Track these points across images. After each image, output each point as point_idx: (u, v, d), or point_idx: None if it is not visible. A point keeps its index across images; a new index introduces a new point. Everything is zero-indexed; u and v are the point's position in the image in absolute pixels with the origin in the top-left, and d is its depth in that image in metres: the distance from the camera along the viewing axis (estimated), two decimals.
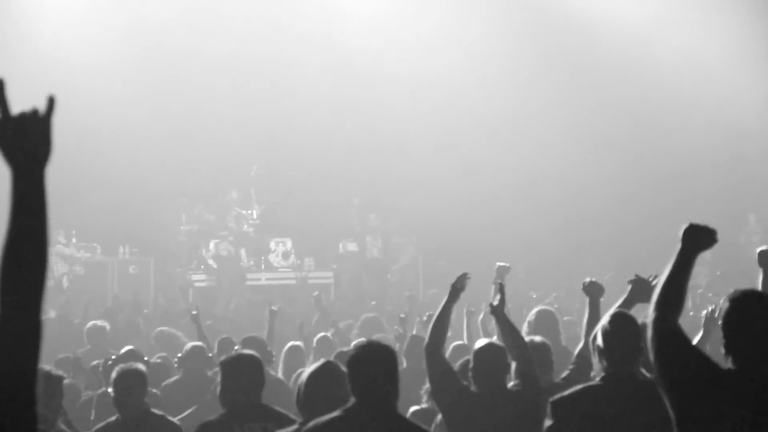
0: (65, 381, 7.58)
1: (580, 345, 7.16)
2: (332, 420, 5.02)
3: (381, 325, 12.65)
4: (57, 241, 19.19)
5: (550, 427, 5.49)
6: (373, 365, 5.02)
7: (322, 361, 5.93)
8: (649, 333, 4.15)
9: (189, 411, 8.34)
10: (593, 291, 7.29)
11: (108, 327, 12.45)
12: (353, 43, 21.54)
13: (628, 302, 6.65)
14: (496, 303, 6.70)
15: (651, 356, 4.17)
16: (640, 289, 6.73)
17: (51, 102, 2.64)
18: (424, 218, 21.68)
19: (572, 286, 17.92)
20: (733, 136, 22.44)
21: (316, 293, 15.09)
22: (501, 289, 6.79)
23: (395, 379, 5.06)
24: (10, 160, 2.56)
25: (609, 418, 5.37)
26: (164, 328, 12.49)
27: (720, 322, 4.22)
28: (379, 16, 21.93)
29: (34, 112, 2.60)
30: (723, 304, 4.27)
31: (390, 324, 13.49)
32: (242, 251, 20.65)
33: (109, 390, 7.08)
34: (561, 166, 22.15)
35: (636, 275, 6.97)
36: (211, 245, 20.63)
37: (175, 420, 7.10)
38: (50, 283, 18.15)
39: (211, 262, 20.52)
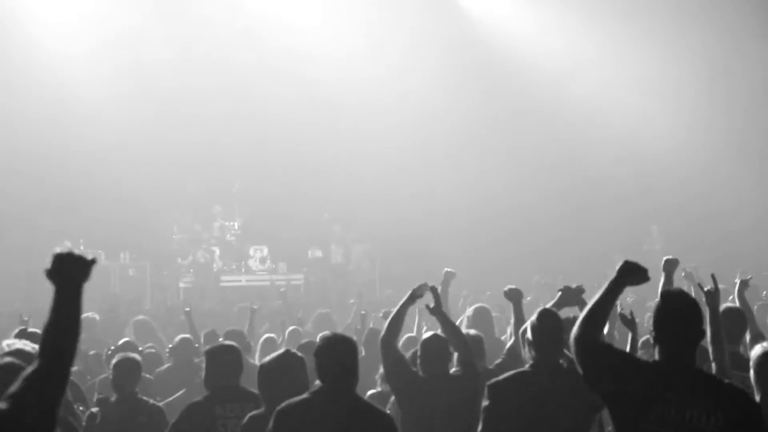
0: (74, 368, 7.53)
1: (512, 340, 7.23)
2: (302, 401, 5.02)
3: (331, 320, 12.68)
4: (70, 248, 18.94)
5: (486, 407, 5.50)
6: (338, 355, 5.04)
7: (280, 351, 5.91)
8: (574, 347, 4.21)
9: (178, 393, 8.30)
10: (514, 295, 7.45)
11: (98, 318, 12.37)
12: (320, 74, 21.51)
13: (557, 305, 6.73)
14: (432, 305, 6.72)
15: (578, 364, 4.23)
16: (567, 295, 6.85)
17: (94, 260, 3.42)
18: (382, 229, 21.71)
19: (501, 286, 18.07)
20: (639, 161, 22.66)
21: (282, 289, 15.10)
22: (435, 291, 6.79)
23: (356, 366, 5.09)
24: (58, 283, 3.34)
25: (537, 399, 5.41)
26: (140, 317, 12.48)
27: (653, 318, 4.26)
28: (346, 45, 21.84)
29: (81, 257, 3.38)
30: (655, 302, 4.32)
31: (346, 317, 13.55)
32: (216, 257, 20.52)
33: (109, 375, 7.04)
34: (497, 184, 22.24)
35: (565, 285, 7.07)
36: (199, 252, 20.52)
37: (159, 404, 7.06)
38: None
39: (197, 266, 20.42)
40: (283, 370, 5.61)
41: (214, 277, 20.06)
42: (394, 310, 6.82)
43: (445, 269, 10.17)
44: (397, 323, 6.69)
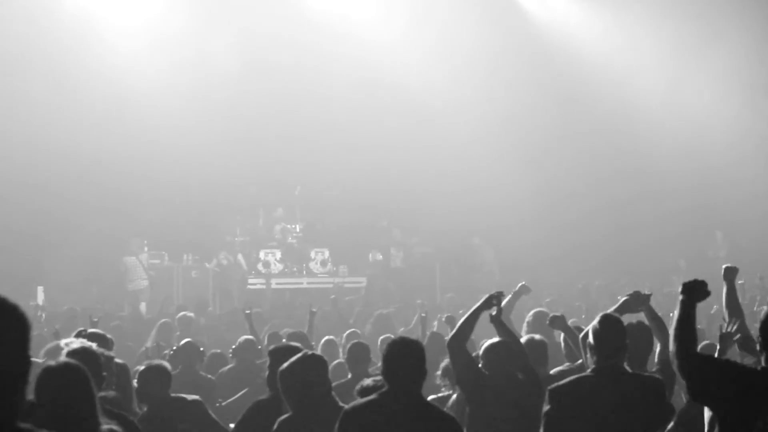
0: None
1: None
2: (369, 402, 5.06)
3: (390, 322, 12.71)
4: (135, 251, 19.26)
5: (547, 411, 5.47)
6: (406, 358, 5.10)
7: (302, 353, 5.89)
8: (681, 363, 4.25)
9: (240, 393, 8.36)
10: (559, 323, 7.53)
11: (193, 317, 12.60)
12: (383, 78, 21.55)
13: (621, 310, 6.67)
14: (494, 313, 6.73)
15: (685, 379, 4.28)
16: (634, 300, 6.76)
17: None
18: (441, 234, 21.69)
19: (563, 291, 17.96)
20: (704, 165, 22.34)
21: (333, 296, 15.16)
22: (498, 302, 6.78)
23: (423, 368, 5.12)
24: None
25: (598, 403, 5.36)
26: (187, 313, 12.75)
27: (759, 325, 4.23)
28: (410, 47, 21.83)
29: None
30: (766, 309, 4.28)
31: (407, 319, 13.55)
32: (276, 259, 20.59)
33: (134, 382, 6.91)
34: (560, 190, 22.02)
35: (635, 290, 6.99)
36: (261, 254, 20.66)
37: (193, 398, 6.94)
38: (130, 286, 18.44)
39: (260, 268, 20.54)
40: (306, 373, 5.62)
41: (241, 279, 20.11)
42: (466, 314, 6.84)
43: (522, 283, 10.22)
44: (467, 327, 6.72)
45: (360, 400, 5.12)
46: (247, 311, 11.11)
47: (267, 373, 6.32)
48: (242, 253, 20.65)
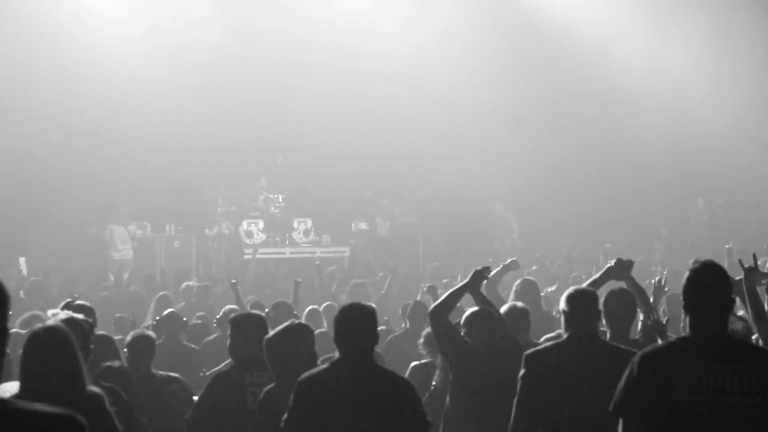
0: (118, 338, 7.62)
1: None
2: (321, 371, 5.07)
3: (366, 291, 12.78)
4: (123, 221, 19.24)
5: (522, 376, 5.55)
6: (355, 324, 5.06)
7: (286, 323, 5.91)
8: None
9: (224, 363, 8.37)
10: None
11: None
12: (367, 48, 21.45)
13: (604, 277, 6.73)
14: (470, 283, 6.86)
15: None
16: (617, 268, 6.82)
17: None
18: (425, 203, 21.73)
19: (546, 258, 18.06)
20: (682, 129, 22.39)
21: (317, 263, 15.18)
22: (483, 277, 6.89)
23: (374, 335, 5.11)
24: None
25: (573, 371, 5.44)
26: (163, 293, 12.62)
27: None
28: (388, 15, 21.77)
29: None
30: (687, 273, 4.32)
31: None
32: (259, 229, 20.59)
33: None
34: (543, 163, 21.97)
35: (618, 258, 7.02)
36: (244, 224, 20.66)
37: (177, 375, 7.03)
38: (116, 255, 18.41)
39: (243, 238, 20.55)
40: (290, 342, 5.63)
41: (237, 249, 20.13)
42: (452, 289, 6.91)
43: (513, 258, 10.32)
44: (452, 300, 6.80)
45: (313, 370, 5.11)
46: (233, 281, 11.13)
47: (229, 342, 6.28)
48: (227, 222, 20.64)
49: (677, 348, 4.17)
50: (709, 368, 4.02)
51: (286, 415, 5.06)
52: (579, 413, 5.33)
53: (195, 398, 6.44)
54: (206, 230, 20.20)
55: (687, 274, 4.26)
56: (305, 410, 4.97)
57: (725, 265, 8.15)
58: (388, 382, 5.04)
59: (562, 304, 5.66)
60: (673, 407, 4.00)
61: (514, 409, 5.48)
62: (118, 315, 10.40)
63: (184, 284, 13.25)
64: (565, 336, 5.64)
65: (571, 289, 5.75)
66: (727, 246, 13.13)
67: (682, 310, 4.25)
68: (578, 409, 5.33)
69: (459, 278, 11.35)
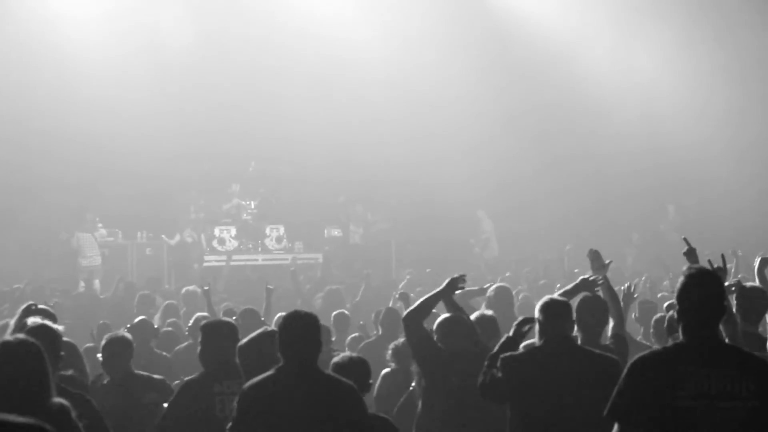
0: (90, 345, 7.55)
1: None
2: (266, 378, 5.08)
3: (341, 296, 12.78)
4: (89, 227, 19.13)
5: (499, 379, 5.66)
6: (297, 331, 5.10)
7: (260, 330, 5.94)
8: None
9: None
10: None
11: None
12: (338, 52, 21.47)
13: (573, 291, 6.77)
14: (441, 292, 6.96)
15: None
16: (584, 285, 6.84)
17: None
18: (401, 210, 21.75)
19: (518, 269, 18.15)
20: (651, 137, 22.57)
21: (292, 269, 15.17)
22: (451, 283, 6.94)
23: (317, 342, 5.14)
24: None
25: (550, 376, 5.55)
26: (190, 288, 12.79)
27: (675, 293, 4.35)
28: (363, 22, 21.80)
29: None
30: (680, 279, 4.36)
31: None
32: (230, 236, 20.50)
33: (98, 356, 6.99)
34: (517, 172, 22.03)
35: (582, 278, 6.99)
36: (216, 231, 20.58)
37: (159, 377, 6.99)
38: (84, 262, 18.31)
39: (215, 245, 20.46)
40: (264, 349, 5.64)
41: (196, 257, 20.06)
42: (428, 294, 6.96)
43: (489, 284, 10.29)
44: (427, 307, 6.84)
45: (256, 378, 5.12)
46: (206, 287, 11.09)
47: (199, 349, 6.25)
48: (197, 230, 20.55)
49: (674, 353, 4.20)
50: (707, 373, 4.06)
51: (230, 424, 5.08)
52: (556, 415, 5.44)
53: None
54: (164, 237, 20.02)
55: (681, 279, 4.30)
56: (250, 417, 4.99)
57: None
58: (332, 389, 5.06)
59: (537, 313, 5.76)
60: (672, 411, 4.04)
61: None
62: (102, 322, 10.34)
63: (185, 289, 13.16)
64: (539, 343, 5.72)
65: (545, 298, 5.88)
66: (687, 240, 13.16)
67: (674, 314, 4.33)
68: (555, 411, 5.44)
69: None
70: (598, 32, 22.44)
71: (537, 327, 5.77)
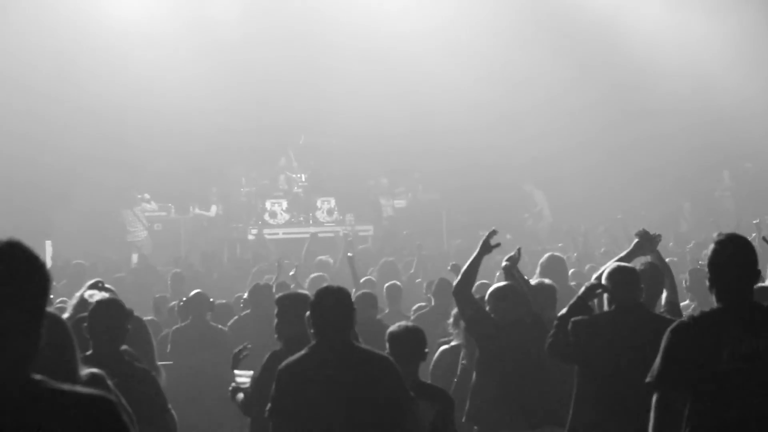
0: (149, 318, 7.62)
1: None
2: (301, 357, 5.04)
3: (396, 269, 12.75)
4: (141, 201, 19.37)
5: (570, 341, 5.72)
6: (332, 308, 5.05)
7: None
8: None
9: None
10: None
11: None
12: (386, 28, 21.41)
13: (634, 252, 6.71)
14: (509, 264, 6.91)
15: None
16: (644, 241, 6.77)
17: None
18: (449, 180, 21.66)
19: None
20: (707, 101, 22.20)
21: (350, 238, 15.22)
22: (484, 243, 6.86)
23: (350, 317, 5.07)
24: None
25: (616, 336, 5.63)
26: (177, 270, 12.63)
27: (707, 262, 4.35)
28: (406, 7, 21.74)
29: None
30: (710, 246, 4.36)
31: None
32: (282, 209, 20.58)
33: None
34: (570, 138, 21.83)
35: (642, 229, 6.93)
36: (267, 204, 20.68)
37: (144, 365, 6.70)
38: (129, 237, 18.58)
39: (267, 218, 20.57)
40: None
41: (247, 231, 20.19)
42: (468, 262, 6.86)
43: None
44: (470, 274, 6.77)
45: (291, 357, 5.08)
46: (286, 261, 11.15)
47: (276, 321, 6.25)
48: (249, 203, 20.69)
49: (713, 317, 4.22)
50: (746, 335, 4.09)
51: (270, 405, 5.05)
52: (628, 380, 5.36)
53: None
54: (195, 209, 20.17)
55: (712, 246, 4.32)
56: (289, 397, 4.98)
57: (753, 239, 8.07)
58: (368, 361, 5.02)
59: (605, 280, 5.82)
60: (715, 374, 4.08)
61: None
62: (158, 295, 10.44)
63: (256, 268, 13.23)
64: (610, 309, 5.79)
65: (614, 265, 5.94)
66: (755, 221, 13.13)
67: (707, 282, 4.28)
68: (627, 377, 5.39)
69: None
70: None
71: (605, 294, 5.81)
